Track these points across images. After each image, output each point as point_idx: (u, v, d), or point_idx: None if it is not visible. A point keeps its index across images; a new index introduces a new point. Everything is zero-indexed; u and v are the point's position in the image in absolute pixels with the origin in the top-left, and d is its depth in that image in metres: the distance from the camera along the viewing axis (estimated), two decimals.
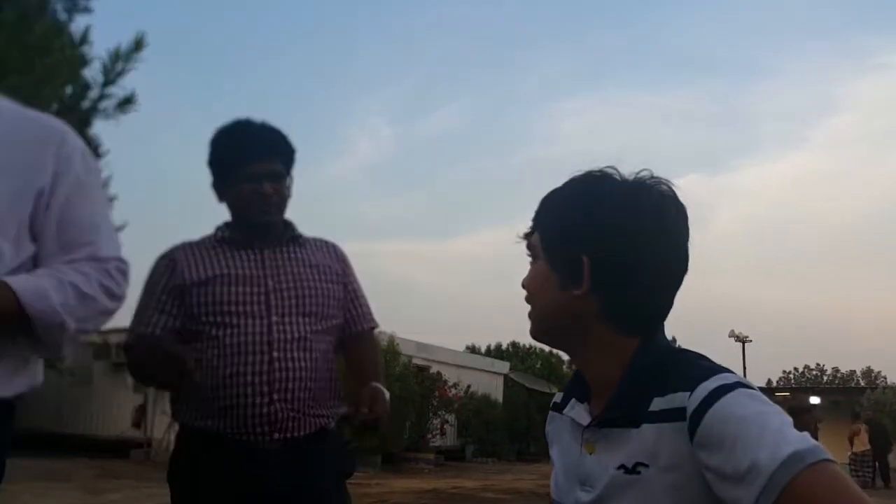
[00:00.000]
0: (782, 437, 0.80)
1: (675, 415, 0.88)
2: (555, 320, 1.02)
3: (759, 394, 0.86)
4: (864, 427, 16.33)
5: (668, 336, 1.05)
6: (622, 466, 0.92)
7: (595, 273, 0.95)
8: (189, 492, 1.83)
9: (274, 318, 1.81)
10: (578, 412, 1.02)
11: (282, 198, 1.93)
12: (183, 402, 1.86)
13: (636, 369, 0.95)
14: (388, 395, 1.89)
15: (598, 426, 0.97)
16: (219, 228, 1.97)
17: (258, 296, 1.83)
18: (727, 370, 0.90)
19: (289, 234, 1.98)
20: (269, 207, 1.90)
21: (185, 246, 1.93)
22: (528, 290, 1.05)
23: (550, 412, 1.13)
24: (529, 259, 1.06)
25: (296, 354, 1.81)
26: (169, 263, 1.90)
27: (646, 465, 0.90)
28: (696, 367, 0.91)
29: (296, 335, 1.82)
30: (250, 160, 1.87)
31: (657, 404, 0.90)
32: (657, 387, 0.91)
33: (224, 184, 1.93)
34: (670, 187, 0.99)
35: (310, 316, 1.86)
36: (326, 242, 2.07)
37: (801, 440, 0.80)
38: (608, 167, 1.00)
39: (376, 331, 2.11)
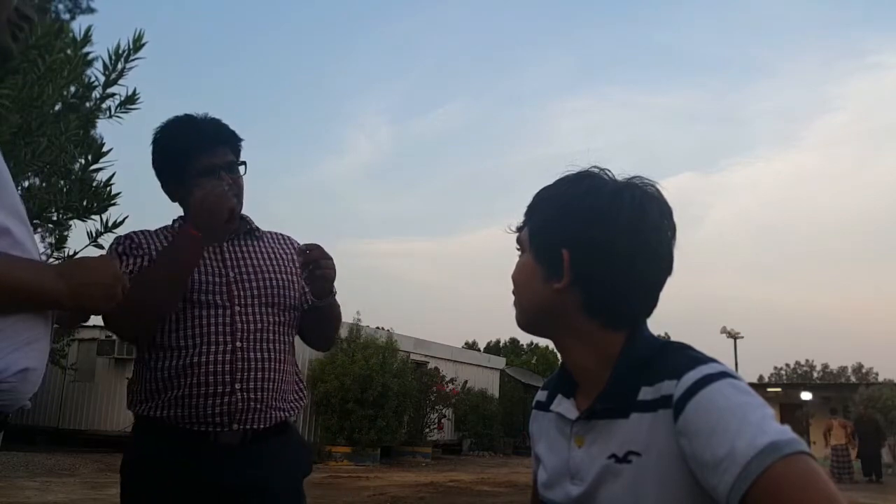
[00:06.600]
0: (761, 427, 0.80)
1: (662, 403, 0.89)
2: (538, 312, 1.03)
3: (745, 385, 0.86)
4: (839, 422, 16.41)
5: (660, 333, 1.11)
6: (613, 456, 0.93)
7: (575, 266, 0.97)
8: (137, 484, 1.75)
9: (237, 308, 1.78)
10: (566, 407, 1.03)
11: (239, 188, 1.86)
12: (140, 392, 1.80)
13: (626, 361, 0.96)
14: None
15: (587, 419, 0.98)
16: (176, 221, 1.92)
17: (220, 286, 1.79)
18: (714, 360, 0.90)
19: (245, 227, 1.93)
20: None
21: (144, 232, 1.87)
22: (514, 282, 1.06)
23: (534, 411, 1.14)
24: (518, 252, 1.07)
25: (259, 345, 1.78)
26: (129, 241, 1.83)
27: (637, 454, 0.90)
28: (684, 356, 0.92)
29: (259, 325, 1.79)
30: (203, 153, 1.81)
31: (645, 393, 0.92)
32: (645, 376, 0.92)
33: (177, 182, 1.86)
34: (656, 188, 1.01)
35: (272, 307, 1.83)
36: (283, 235, 2.04)
37: (780, 432, 0.80)
38: (597, 167, 1.02)
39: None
